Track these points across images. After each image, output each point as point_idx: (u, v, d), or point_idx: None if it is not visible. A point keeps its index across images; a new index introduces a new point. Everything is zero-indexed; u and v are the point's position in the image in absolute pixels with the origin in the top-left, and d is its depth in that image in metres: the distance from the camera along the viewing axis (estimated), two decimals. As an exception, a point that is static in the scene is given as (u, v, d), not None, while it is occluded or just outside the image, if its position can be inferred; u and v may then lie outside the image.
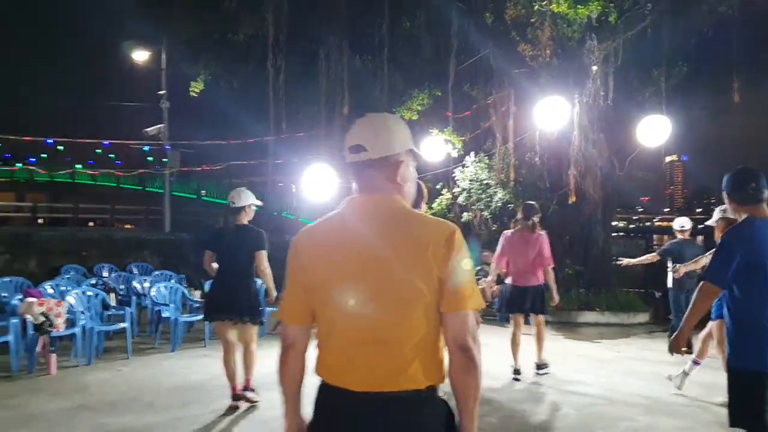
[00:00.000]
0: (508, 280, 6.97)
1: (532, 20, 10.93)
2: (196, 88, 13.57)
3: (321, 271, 1.81)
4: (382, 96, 12.95)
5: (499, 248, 7.01)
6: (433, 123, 13.02)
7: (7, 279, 9.27)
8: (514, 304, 6.88)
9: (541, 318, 6.98)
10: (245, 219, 5.72)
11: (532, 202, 7.25)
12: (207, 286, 9.54)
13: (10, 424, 5.15)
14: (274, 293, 5.85)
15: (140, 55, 18.35)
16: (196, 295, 9.41)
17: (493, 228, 12.62)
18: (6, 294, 8.61)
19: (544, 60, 10.96)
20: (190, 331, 9.02)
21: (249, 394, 5.73)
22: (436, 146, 11.85)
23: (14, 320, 6.91)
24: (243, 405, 5.63)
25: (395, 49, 12.76)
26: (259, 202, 5.92)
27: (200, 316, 8.62)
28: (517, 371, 6.76)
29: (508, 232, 7.01)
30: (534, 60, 11.22)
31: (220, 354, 5.77)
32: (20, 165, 35.16)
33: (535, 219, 6.87)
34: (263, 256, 5.62)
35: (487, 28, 11.86)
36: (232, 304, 5.61)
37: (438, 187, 13.65)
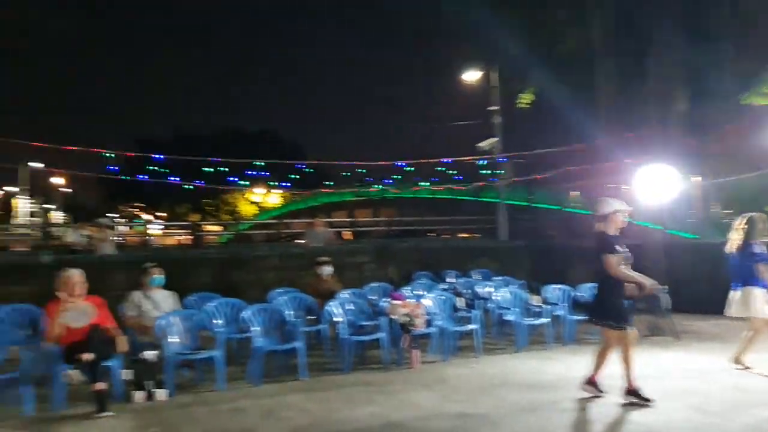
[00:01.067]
0: None
1: None
2: (526, 99, 14.05)
3: None
4: (724, 85, 11.84)
5: None
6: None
7: (375, 284, 10.79)
8: None
9: None
10: (607, 226, 5.92)
11: None
12: (544, 290, 9.90)
13: (393, 407, 6.10)
14: (636, 292, 5.99)
15: (471, 76, 19.56)
16: (536, 299, 9.76)
17: None
18: (375, 297, 9.99)
19: None
20: (532, 333, 9.41)
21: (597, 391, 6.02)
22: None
23: (383, 320, 8.10)
24: (588, 394, 6.03)
25: (737, 32, 11.57)
26: (627, 208, 6.02)
27: (542, 320, 9.05)
28: None
29: None
30: None
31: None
32: (378, 186, 40.36)
33: None
34: (607, 259, 5.79)
35: None
36: (594, 307, 6.04)
37: None
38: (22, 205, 61.40)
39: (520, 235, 19.92)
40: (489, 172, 27.80)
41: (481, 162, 25.09)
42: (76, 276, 6.50)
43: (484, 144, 20.65)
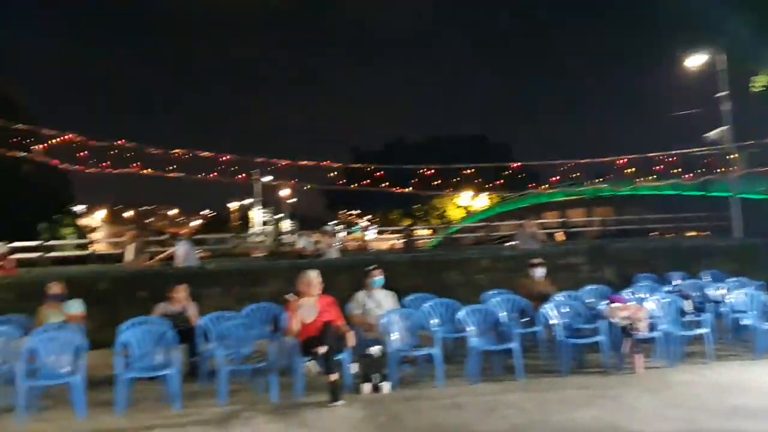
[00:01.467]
0: None
1: None
2: (760, 81, 12.74)
3: None
4: None
5: None
6: None
7: (592, 287, 10.41)
8: None
9: None
10: None
11: None
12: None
13: (615, 411, 5.93)
14: None
15: (695, 61, 18.02)
16: (779, 303, 8.81)
17: None
18: (592, 300, 9.66)
19: None
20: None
21: None
22: None
23: (602, 323, 7.84)
24: None
25: None
26: None
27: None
28: None
29: None
30: None
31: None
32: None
33: None
34: None
35: None
36: None
37: None
38: (257, 216, 68.62)
39: (759, 232, 18.01)
40: (717, 163, 25.41)
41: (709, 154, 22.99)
42: (314, 277, 7.24)
43: (713, 134, 19.00)
